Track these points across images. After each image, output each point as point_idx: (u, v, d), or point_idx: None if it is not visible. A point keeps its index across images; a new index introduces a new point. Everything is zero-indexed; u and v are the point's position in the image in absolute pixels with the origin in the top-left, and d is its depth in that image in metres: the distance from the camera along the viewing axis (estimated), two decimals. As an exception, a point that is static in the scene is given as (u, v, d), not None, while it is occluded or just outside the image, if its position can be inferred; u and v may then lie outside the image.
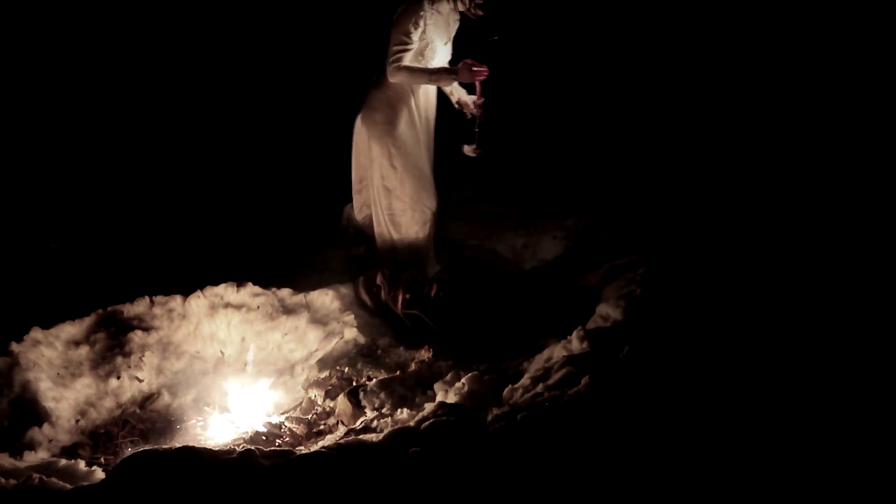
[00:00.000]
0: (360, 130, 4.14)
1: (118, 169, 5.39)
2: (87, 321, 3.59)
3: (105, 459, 3.01)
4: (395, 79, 3.96)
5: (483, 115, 3.99)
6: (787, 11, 5.31)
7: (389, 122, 4.06)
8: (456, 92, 4.18)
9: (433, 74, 3.96)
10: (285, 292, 3.91)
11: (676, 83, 5.72)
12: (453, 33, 4.09)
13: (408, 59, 3.92)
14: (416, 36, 3.89)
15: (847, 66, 5.01)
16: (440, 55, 4.05)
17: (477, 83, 3.92)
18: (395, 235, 4.21)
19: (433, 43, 3.97)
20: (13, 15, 5.57)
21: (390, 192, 4.14)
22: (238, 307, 3.76)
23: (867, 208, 3.95)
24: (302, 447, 2.97)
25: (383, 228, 4.22)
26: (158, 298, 3.73)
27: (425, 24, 3.89)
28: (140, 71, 5.91)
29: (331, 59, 6.07)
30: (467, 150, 4.04)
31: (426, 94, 4.17)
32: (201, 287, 3.78)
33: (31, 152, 5.32)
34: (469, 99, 4.09)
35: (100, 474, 2.67)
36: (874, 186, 4.14)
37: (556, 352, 3.09)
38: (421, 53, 3.98)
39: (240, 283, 3.85)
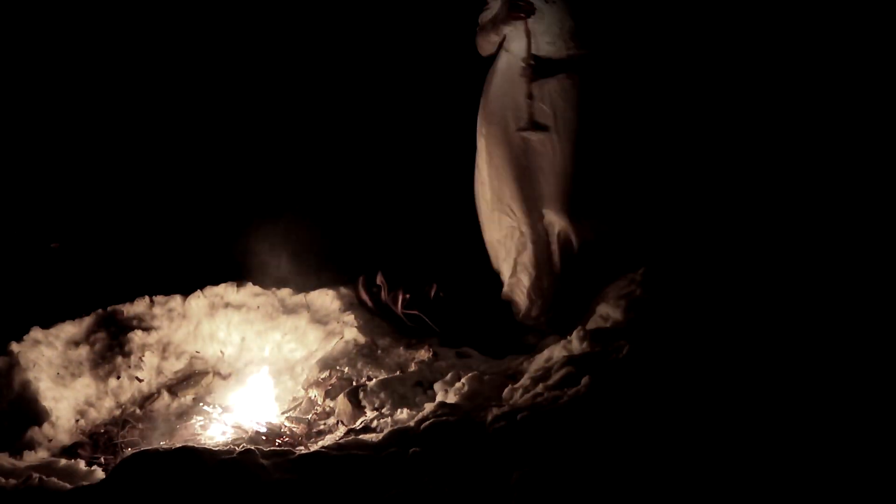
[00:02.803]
0: None
1: (117, 169, 5.38)
2: (87, 321, 3.60)
3: (105, 459, 3.01)
4: (480, 49, 3.40)
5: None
6: (787, 13, 5.30)
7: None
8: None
9: (486, 27, 3.30)
10: (285, 292, 3.92)
11: (674, 82, 5.71)
12: None
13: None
14: None
15: (847, 69, 5.00)
16: (537, 22, 3.27)
17: (521, 25, 3.22)
18: None
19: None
20: (13, 15, 5.57)
21: None
22: (238, 307, 3.76)
23: (867, 210, 3.95)
24: (302, 447, 2.96)
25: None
26: (158, 298, 3.74)
27: None
28: (140, 71, 5.90)
29: (331, 61, 6.06)
30: None
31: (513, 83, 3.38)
32: (201, 287, 3.79)
33: (31, 152, 5.31)
34: None
35: (100, 474, 2.67)
36: (875, 189, 4.14)
37: (556, 352, 3.09)
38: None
39: (240, 283, 3.85)
